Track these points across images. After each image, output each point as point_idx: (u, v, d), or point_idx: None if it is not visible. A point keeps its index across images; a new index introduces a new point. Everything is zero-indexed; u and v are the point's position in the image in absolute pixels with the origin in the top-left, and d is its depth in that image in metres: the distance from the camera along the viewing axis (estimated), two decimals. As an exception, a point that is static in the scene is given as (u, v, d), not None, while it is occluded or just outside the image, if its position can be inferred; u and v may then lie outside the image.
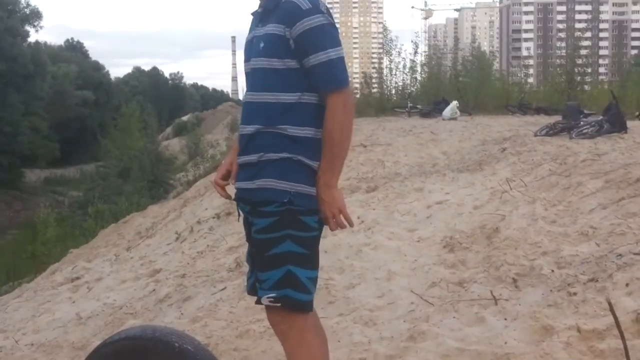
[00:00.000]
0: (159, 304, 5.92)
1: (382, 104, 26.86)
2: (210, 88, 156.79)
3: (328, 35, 2.79)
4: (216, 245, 7.71)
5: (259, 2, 2.96)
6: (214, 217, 9.18)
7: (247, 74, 2.95)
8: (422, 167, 10.67)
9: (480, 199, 7.45)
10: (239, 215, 3.01)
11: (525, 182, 7.62)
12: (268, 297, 2.80)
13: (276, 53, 2.79)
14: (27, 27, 57.78)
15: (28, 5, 58.14)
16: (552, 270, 4.85)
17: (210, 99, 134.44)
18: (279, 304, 2.80)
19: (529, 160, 9.01)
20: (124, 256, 8.77)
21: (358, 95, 30.93)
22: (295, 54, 2.78)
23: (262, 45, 2.82)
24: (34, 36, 60.54)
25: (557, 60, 32.39)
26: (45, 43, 74.40)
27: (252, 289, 3.02)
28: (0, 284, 12.61)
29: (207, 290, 5.81)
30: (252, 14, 3.04)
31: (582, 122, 12.33)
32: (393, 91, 32.15)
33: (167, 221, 10.39)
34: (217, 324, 4.82)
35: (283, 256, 2.79)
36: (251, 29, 3.00)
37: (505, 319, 4.27)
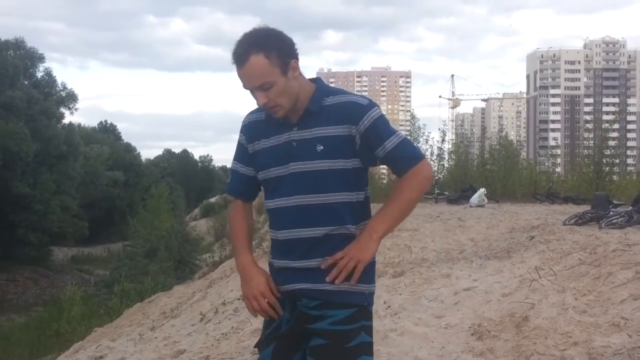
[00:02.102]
0: (181, 385, 5.86)
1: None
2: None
3: (388, 122, 2.91)
4: (240, 327, 7.66)
5: (266, 110, 2.91)
6: (239, 299, 9.14)
7: (280, 178, 2.92)
8: (449, 253, 10.61)
9: (509, 286, 7.37)
10: (285, 309, 2.95)
11: (555, 271, 7.54)
12: None
13: (341, 154, 2.85)
14: (63, 109, 59.13)
15: (64, 88, 59.65)
16: (583, 361, 4.76)
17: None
18: None
19: (558, 249, 8.92)
20: (148, 336, 8.73)
21: (385, 181, 31.01)
22: (360, 150, 2.87)
23: (320, 147, 2.84)
24: (68, 118, 61.83)
25: (585, 151, 32.38)
26: (80, 125, 76.19)
27: None
28: (23, 362, 12.59)
29: (231, 372, 5.75)
30: (264, 120, 3.01)
31: (611, 212, 12.23)
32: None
33: (192, 302, 10.36)
34: (240, 407, 4.76)
35: (361, 347, 2.84)
36: (267, 133, 2.97)
37: (536, 410, 4.17)
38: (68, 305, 16.11)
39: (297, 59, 2.85)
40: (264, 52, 2.75)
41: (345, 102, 2.88)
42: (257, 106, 2.95)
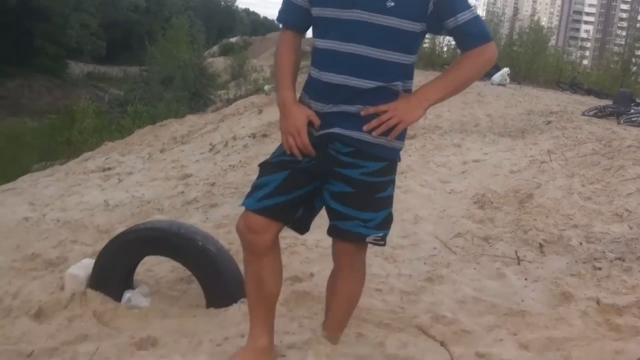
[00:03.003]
0: (186, 205, 5.99)
1: (432, 59, 26.54)
2: (262, 16, 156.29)
3: None
4: (248, 162, 7.74)
5: None
6: (249, 136, 9.21)
7: (337, 20, 2.80)
8: (463, 125, 10.58)
9: (518, 164, 7.39)
10: (319, 154, 2.86)
11: (566, 157, 7.54)
12: (375, 237, 2.89)
13: (410, 15, 2.74)
14: None
15: None
16: (581, 243, 4.83)
17: (260, 26, 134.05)
18: (383, 242, 2.92)
19: (573, 137, 8.89)
20: (157, 157, 8.85)
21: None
22: (430, 16, 2.76)
23: (391, 4, 2.71)
24: None
25: (615, 48, 31.73)
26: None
27: (299, 224, 3.02)
28: (33, 163, 12.81)
29: (235, 201, 5.86)
30: None
31: (632, 110, 12.11)
32: (445, 48, 31.73)
33: (203, 132, 10.44)
34: (241, 233, 4.87)
35: (389, 199, 2.91)
36: None
37: (526, 279, 4.27)
38: (81, 116, 16.16)
39: None
40: None
41: None
42: None
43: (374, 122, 2.77)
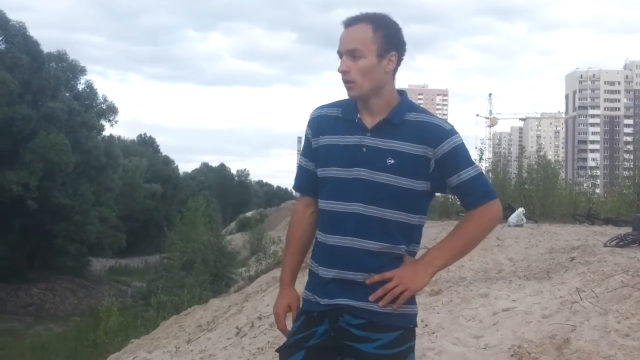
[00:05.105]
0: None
1: (446, 207, 26.74)
2: (275, 186, 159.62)
3: (468, 152, 2.84)
4: (276, 342, 7.62)
5: (352, 109, 2.88)
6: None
7: (340, 180, 2.83)
8: (487, 272, 10.49)
9: (549, 308, 7.25)
10: (331, 328, 2.83)
11: (596, 293, 7.40)
12: None
13: (410, 173, 2.77)
14: (103, 122, 59.70)
15: (105, 100, 60.28)
16: (626, 387, 4.66)
17: (273, 196, 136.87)
18: None
19: (599, 271, 8.78)
20: (184, 349, 8.76)
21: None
22: (432, 174, 2.79)
23: (391, 161, 2.76)
24: (108, 130, 62.24)
25: (625, 172, 31.92)
26: (119, 137, 76.83)
27: None
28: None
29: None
30: (335, 117, 2.94)
31: (653, 235, 12.02)
32: (457, 196, 31.98)
33: (228, 315, 10.38)
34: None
35: None
36: (336, 130, 2.89)
37: None
38: (105, 315, 16.21)
39: (398, 57, 2.84)
40: (373, 26, 2.75)
41: (429, 122, 2.81)
42: (325, 102, 2.99)
43: (379, 292, 2.72)
